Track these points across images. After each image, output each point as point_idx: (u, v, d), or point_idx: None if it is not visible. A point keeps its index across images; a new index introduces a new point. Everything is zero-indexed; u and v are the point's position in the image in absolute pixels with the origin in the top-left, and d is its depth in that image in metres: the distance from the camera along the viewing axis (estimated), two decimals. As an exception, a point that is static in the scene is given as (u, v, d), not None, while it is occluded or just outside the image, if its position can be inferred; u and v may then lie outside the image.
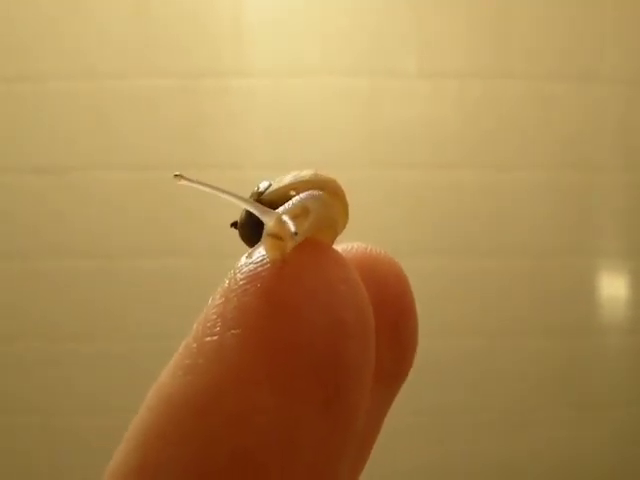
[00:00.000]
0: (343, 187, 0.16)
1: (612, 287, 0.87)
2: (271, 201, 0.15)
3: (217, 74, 0.84)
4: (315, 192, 0.15)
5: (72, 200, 0.84)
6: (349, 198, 0.16)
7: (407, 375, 0.16)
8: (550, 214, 0.86)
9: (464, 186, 0.85)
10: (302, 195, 0.15)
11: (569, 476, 0.87)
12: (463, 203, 0.85)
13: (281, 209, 0.14)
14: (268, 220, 0.14)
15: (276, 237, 0.13)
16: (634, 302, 0.87)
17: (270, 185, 0.15)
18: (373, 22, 0.85)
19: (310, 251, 0.14)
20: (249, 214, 0.15)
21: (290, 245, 0.13)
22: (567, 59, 0.85)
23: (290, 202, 0.14)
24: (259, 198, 0.15)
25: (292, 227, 0.13)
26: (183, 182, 0.15)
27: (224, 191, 0.14)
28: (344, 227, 0.16)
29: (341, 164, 0.82)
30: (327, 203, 0.15)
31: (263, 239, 0.13)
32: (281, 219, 0.13)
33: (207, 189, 0.15)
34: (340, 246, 0.16)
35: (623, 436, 0.87)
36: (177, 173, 0.15)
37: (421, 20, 0.85)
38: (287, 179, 0.15)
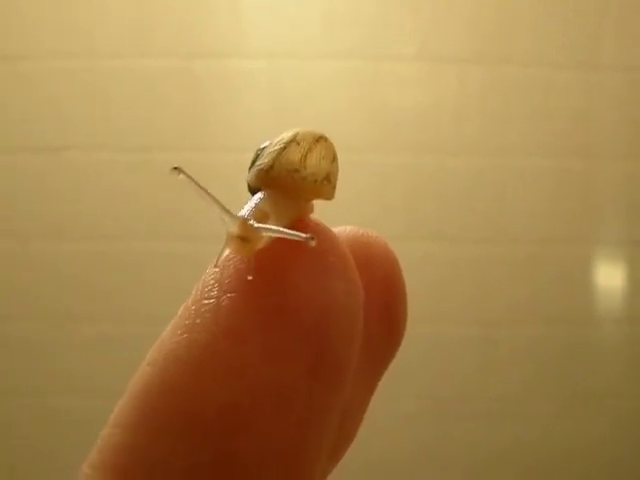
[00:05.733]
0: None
1: (611, 275, 0.87)
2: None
3: (216, 55, 0.83)
4: (268, 192, 0.15)
5: (70, 180, 0.83)
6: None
7: (394, 355, 0.16)
8: (549, 201, 0.86)
9: (462, 171, 0.85)
10: (255, 198, 0.15)
11: (565, 463, 0.87)
12: (461, 188, 0.85)
13: (245, 212, 0.15)
14: (233, 225, 0.14)
15: (242, 239, 0.14)
16: (633, 291, 0.87)
17: (265, 147, 0.16)
18: (373, 4, 0.84)
19: (303, 227, 0.15)
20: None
21: (257, 245, 0.14)
22: (568, 45, 0.85)
23: (249, 205, 0.15)
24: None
25: (258, 228, 0.14)
26: (181, 176, 0.15)
27: (207, 192, 0.15)
28: (329, 197, 0.16)
29: (339, 147, 0.81)
30: (279, 201, 0.15)
31: (227, 242, 0.14)
32: (247, 224, 0.14)
33: (194, 187, 0.15)
34: (334, 229, 0.16)
35: (620, 426, 0.87)
36: (176, 166, 0.15)
37: (421, 4, 0.84)
38: (265, 154, 0.16)
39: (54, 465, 0.83)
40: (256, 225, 0.14)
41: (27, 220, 0.83)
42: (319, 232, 0.15)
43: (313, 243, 0.13)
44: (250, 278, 0.14)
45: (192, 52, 0.83)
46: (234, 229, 0.14)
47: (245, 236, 0.14)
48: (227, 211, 0.15)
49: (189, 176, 0.15)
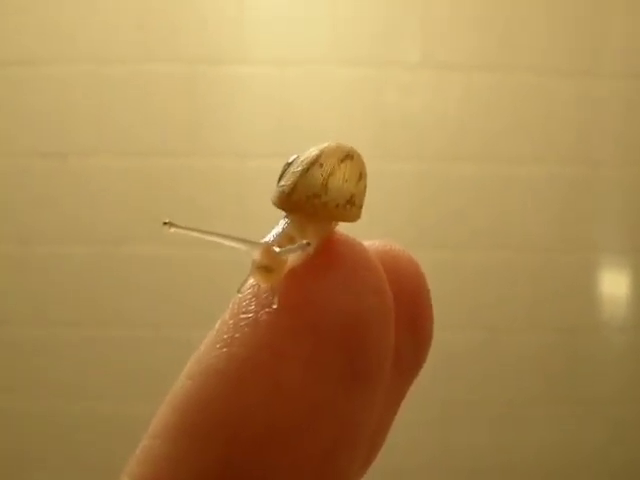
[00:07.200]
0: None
1: (617, 283, 0.86)
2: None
3: (218, 61, 0.83)
4: (292, 217, 0.15)
5: (69, 186, 0.83)
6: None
7: (421, 367, 0.17)
8: (555, 209, 0.85)
9: (467, 179, 0.84)
10: (282, 223, 0.15)
11: (570, 469, 0.87)
12: (467, 196, 0.84)
13: (270, 238, 0.15)
14: (256, 253, 0.14)
15: (266, 269, 0.14)
16: (638, 299, 0.87)
17: (291, 163, 0.16)
18: (378, 11, 0.84)
19: (336, 243, 0.15)
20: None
21: (282, 274, 0.14)
22: (571, 54, 0.84)
23: (274, 231, 0.15)
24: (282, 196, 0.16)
25: (280, 253, 0.14)
26: (173, 230, 0.15)
27: (212, 233, 0.15)
28: (353, 220, 0.16)
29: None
30: (304, 224, 0.15)
31: (252, 272, 0.14)
32: (270, 250, 0.14)
33: (196, 234, 0.15)
34: (363, 242, 0.16)
35: (624, 432, 0.86)
36: (166, 221, 0.15)
37: (428, 11, 0.83)
38: (290, 175, 0.16)
39: (42, 466, 0.83)
40: (278, 250, 0.14)
41: (23, 225, 0.83)
42: (351, 247, 0.15)
43: (310, 250, 0.14)
44: (275, 306, 0.14)
45: (194, 58, 0.82)
46: (257, 256, 0.14)
47: (268, 265, 0.14)
48: (244, 241, 0.15)
49: (185, 227, 0.15)
